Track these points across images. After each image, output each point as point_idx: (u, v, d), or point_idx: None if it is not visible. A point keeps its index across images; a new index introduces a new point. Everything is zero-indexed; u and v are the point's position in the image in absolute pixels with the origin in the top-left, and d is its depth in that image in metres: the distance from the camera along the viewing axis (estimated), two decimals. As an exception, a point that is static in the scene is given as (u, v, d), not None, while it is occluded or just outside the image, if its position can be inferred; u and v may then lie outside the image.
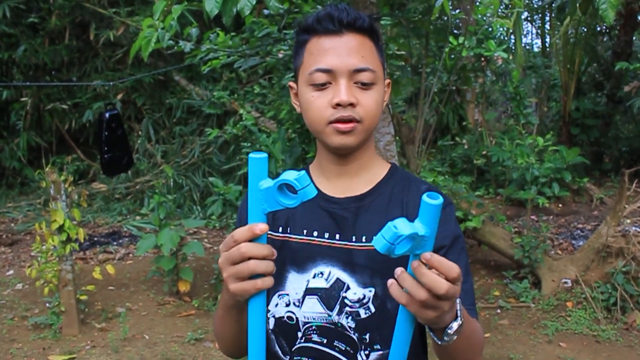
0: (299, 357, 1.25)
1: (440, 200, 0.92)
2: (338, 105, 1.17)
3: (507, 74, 9.55)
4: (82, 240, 4.64)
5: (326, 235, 1.25)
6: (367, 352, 1.23)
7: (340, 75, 1.17)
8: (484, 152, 7.89)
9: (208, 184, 7.22)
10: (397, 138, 5.05)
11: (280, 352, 1.28)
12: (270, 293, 1.27)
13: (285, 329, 1.26)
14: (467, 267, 1.27)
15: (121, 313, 4.67)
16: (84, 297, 4.53)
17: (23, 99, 8.84)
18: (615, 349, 4.14)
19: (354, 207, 1.26)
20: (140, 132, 8.88)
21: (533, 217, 6.40)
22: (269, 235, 1.25)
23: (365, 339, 1.22)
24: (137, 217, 7.38)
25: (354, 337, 1.22)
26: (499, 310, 4.76)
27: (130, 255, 6.26)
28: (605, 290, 4.72)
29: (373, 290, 1.21)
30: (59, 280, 4.41)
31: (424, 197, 0.93)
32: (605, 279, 4.82)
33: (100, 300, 4.98)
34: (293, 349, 1.26)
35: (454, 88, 8.06)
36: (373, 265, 1.21)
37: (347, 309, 1.22)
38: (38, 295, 4.90)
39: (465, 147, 8.53)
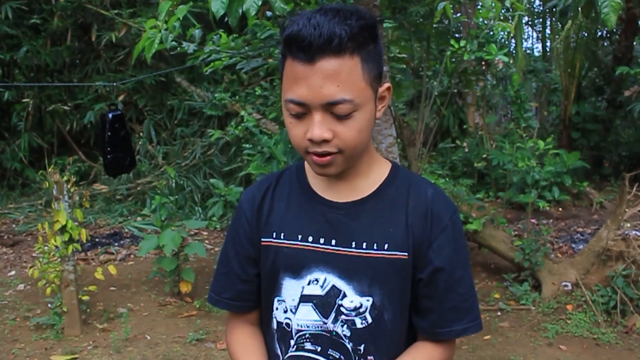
0: None
1: None
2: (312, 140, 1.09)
3: (508, 78, 9.59)
4: (84, 241, 4.64)
5: (321, 240, 1.20)
6: None
7: (313, 108, 1.07)
8: (485, 156, 7.90)
9: (209, 186, 7.23)
10: (399, 140, 5.05)
11: (281, 355, 1.26)
12: (270, 297, 1.26)
13: (283, 334, 1.24)
14: (471, 283, 1.25)
15: (123, 313, 4.68)
16: (86, 298, 4.54)
17: (24, 100, 8.85)
18: (615, 352, 4.15)
19: (354, 212, 1.20)
20: (141, 134, 8.90)
21: (533, 220, 6.42)
22: (262, 242, 1.25)
23: (360, 350, 1.19)
24: (139, 218, 7.39)
25: (349, 346, 1.19)
26: (499, 313, 4.78)
27: (132, 256, 6.27)
28: (605, 294, 4.72)
29: (371, 299, 1.18)
30: (61, 280, 4.41)
31: None
32: (606, 282, 4.83)
33: (102, 301, 4.99)
34: (286, 357, 1.24)
35: (455, 91, 8.08)
36: (372, 273, 1.17)
37: (343, 317, 1.18)
38: (40, 296, 4.91)
39: (466, 150, 8.55)
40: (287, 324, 1.22)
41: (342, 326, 1.18)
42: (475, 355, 4.13)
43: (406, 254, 1.18)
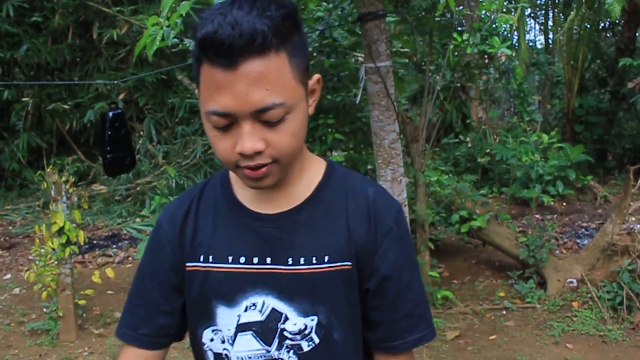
0: None
1: None
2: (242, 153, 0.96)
3: (511, 72, 9.47)
4: (82, 243, 4.56)
5: (255, 260, 1.06)
6: None
7: (240, 118, 0.93)
8: (488, 150, 7.80)
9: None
10: (402, 136, 4.97)
11: None
12: (200, 326, 1.11)
13: None
14: (422, 286, 1.12)
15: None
16: (82, 302, 4.45)
17: (24, 99, 8.78)
18: (622, 349, 4.05)
19: (288, 224, 1.06)
20: (141, 133, 8.82)
21: (537, 216, 6.31)
22: (187, 267, 1.10)
23: None
24: (138, 219, 7.31)
25: None
26: (504, 312, 4.68)
27: (130, 258, 6.18)
28: (611, 290, 4.63)
29: (316, 318, 1.05)
30: (58, 284, 4.33)
31: None
32: (611, 277, 4.74)
33: (99, 305, 4.90)
34: None
35: (458, 85, 7.98)
36: (314, 290, 1.05)
37: (288, 342, 1.06)
38: (35, 300, 4.83)
39: (469, 145, 8.44)
40: (226, 355, 1.09)
41: (288, 352, 1.06)
42: (480, 356, 4.03)
43: (349, 263, 1.06)
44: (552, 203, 6.69)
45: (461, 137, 8.57)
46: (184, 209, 1.12)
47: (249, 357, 1.07)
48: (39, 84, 8.61)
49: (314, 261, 1.05)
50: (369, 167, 5.07)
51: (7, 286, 5.51)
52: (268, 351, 1.07)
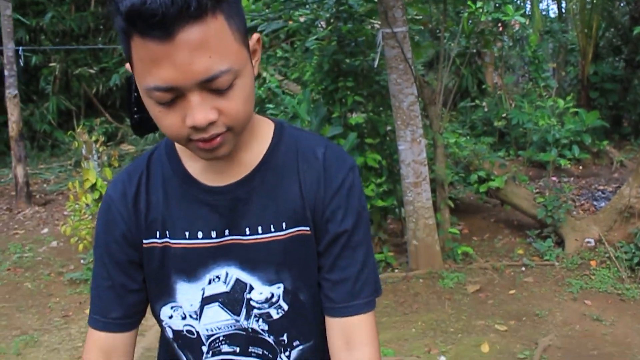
0: None
1: None
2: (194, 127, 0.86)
3: (525, 39, 9.27)
4: (113, 199, 4.56)
5: (213, 234, 0.99)
6: (287, 353, 1.05)
7: (187, 90, 0.83)
8: (504, 115, 7.68)
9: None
10: (420, 99, 4.90)
11: None
12: (158, 302, 1.04)
13: (188, 342, 1.05)
14: (370, 247, 1.03)
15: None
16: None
17: (51, 64, 8.76)
18: (640, 307, 4.01)
19: (241, 194, 0.99)
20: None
21: (554, 178, 6.23)
22: (144, 244, 1.02)
23: (283, 340, 1.03)
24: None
25: (270, 340, 1.03)
26: (523, 268, 4.64)
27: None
28: (629, 250, 4.57)
29: (282, 286, 1.00)
30: (92, 237, 4.34)
31: None
32: (629, 239, 4.67)
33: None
34: None
35: (474, 51, 7.82)
36: (276, 259, 0.99)
37: (256, 311, 1.00)
38: (72, 252, 4.87)
39: (485, 110, 8.31)
40: (190, 331, 1.04)
41: (257, 321, 1.02)
42: (501, 309, 4.01)
43: (307, 228, 1.00)
44: (568, 166, 6.60)
45: (477, 101, 8.44)
46: (134, 186, 1.03)
47: (219, 328, 1.02)
48: (65, 48, 8.55)
49: (272, 229, 0.99)
50: (389, 128, 5.01)
51: (45, 240, 5.56)
52: (237, 321, 1.02)
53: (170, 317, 1.03)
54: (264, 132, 1.02)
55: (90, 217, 4.39)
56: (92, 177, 4.31)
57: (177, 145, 1.02)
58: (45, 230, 5.85)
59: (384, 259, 4.67)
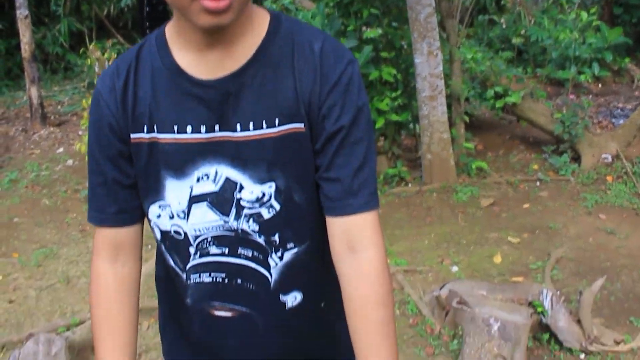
0: (196, 275, 1.00)
1: None
2: None
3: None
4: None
5: (202, 129, 0.93)
6: (279, 255, 0.99)
7: None
8: (522, 32, 7.37)
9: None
10: (438, 12, 4.70)
11: (176, 267, 1.02)
12: (147, 201, 0.98)
13: (175, 243, 1.00)
14: (371, 146, 0.95)
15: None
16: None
17: (61, -15, 8.52)
18: (656, 222, 3.93)
19: (233, 88, 0.92)
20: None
21: (572, 95, 6.03)
22: (132, 140, 0.95)
23: (275, 241, 0.98)
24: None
25: (260, 240, 0.97)
26: (538, 183, 4.55)
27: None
28: (647, 165, 4.46)
29: (273, 185, 0.94)
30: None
31: None
32: (647, 154, 4.55)
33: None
34: (187, 267, 1.00)
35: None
36: (268, 156, 0.93)
37: (246, 211, 0.95)
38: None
39: (503, 26, 7.99)
40: (177, 232, 0.99)
41: (248, 221, 0.96)
42: (514, 222, 3.96)
43: (301, 125, 0.93)
44: (588, 82, 6.38)
45: (495, 18, 8.10)
46: (122, 79, 0.96)
47: (207, 229, 0.97)
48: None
49: (264, 125, 0.92)
50: (404, 42, 4.83)
51: (60, 158, 5.58)
52: (226, 222, 0.96)
53: (159, 216, 0.99)
54: (258, 23, 0.94)
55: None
56: (104, 93, 4.23)
57: (168, 36, 0.96)
58: (61, 149, 5.85)
59: (398, 173, 4.60)
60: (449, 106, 4.62)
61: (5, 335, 2.91)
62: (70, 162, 5.43)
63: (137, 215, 1.02)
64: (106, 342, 1.02)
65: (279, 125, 0.92)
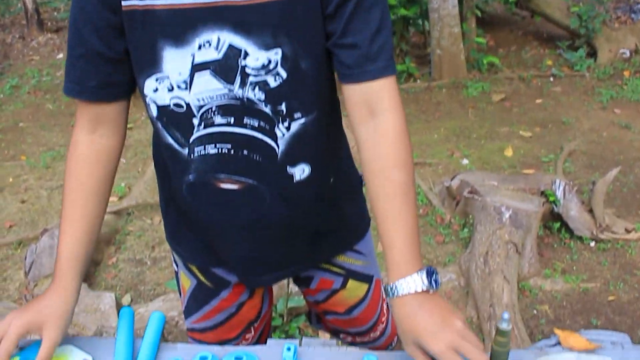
0: (200, 147, 0.94)
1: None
2: None
3: None
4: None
5: None
6: (286, 125, 0.93)
7: None
8: None
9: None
10: None
11: (175, 144, 0.95)
12: (143, 75, 0.90)
13: (175, 118, 0.93)
14: (386, 10, 0.88)
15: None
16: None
17: None
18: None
19: None
20: None
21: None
22: (124, 7, 0.84)
23: (282, 110, 0.92)
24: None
25: (267, 110, 0.92)
26: (551, 79, 4.41)
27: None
28: (666, 57, 4.30)
29: (280, 51, 0.87)
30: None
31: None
32: (667, 47, 4.38)
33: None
34: (191, 140, 0.94)
35: None
36: (274, 20, 0.86)
37: (251, 78, 0.88)
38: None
39: None
40: (178, 104, 0.91)
41: (253, 89, 0.90)
42: (526, 116, 3.87)
43: None
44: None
45: None
46: None
47: (211, 98, 0.90)
48: None
49: None
50: None
51: (61, 64, 5.47)
52: (231, 90, 0.89)
53: (155, 90, 0.91)
54: None
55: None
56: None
57: None
58: (60, 55, 5.71)
59: (406, 69, 4.46)
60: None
61: (21, 233, 2.93)
62: (70, 66, 5.34)
63: (121, 92, 0.95)
64: (70, 218, 1.02)
65: None
